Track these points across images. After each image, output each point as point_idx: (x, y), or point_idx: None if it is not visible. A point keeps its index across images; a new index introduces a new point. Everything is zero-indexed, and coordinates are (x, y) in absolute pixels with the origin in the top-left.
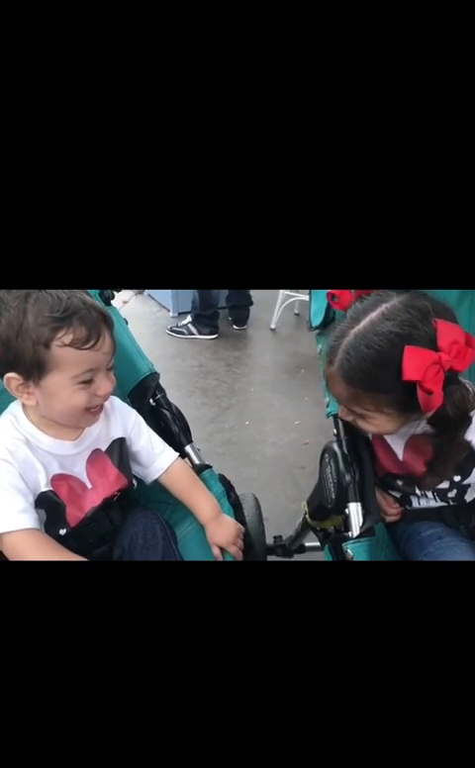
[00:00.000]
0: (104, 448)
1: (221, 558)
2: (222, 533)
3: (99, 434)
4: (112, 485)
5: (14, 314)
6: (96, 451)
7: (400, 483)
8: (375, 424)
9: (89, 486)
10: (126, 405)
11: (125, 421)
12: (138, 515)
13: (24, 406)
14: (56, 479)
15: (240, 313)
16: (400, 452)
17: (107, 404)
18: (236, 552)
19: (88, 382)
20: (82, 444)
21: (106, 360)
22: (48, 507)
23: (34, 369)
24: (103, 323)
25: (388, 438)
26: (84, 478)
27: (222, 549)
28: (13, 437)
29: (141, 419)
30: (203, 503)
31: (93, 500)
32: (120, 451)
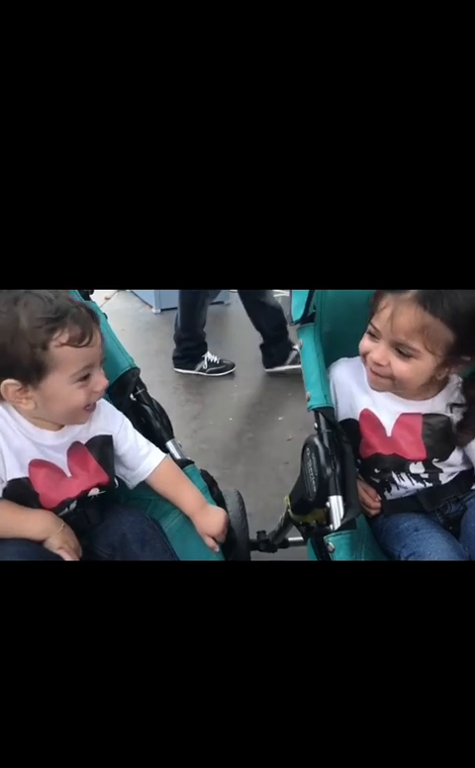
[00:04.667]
0: (84, 443)
1: (216, 548)
2: (210, 523)
3: (80, 430)
4: (92, 477)
5: (7, 319)
6: (77, 444)
7: (385, 464)
8: (413, 366)
9: (69, 475)
10: (112, 407)
11: (109, 422)
12: (122, 513)
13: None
14: (34, 464)
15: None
16: (389, 428)
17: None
18: (223, 540)
19: (85, 379)
20: (64, 437)
21: (99, 355)
22: (18, 495)
23: (33, 372)
24: (92, 320)
25: (379, 415)
26: (64, 467)
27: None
28: None
29: (127, 422)
30: (188, 495)
31: (71, 489)
32: (101, 448)
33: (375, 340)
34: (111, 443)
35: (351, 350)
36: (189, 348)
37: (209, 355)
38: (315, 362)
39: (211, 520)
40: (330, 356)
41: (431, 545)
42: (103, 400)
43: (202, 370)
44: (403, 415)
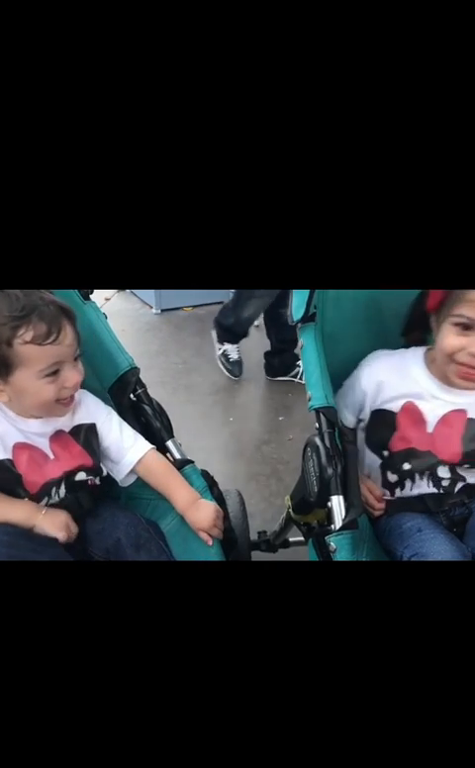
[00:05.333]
0: (67, 431)
1: (210, 542)
2: (201, 518)
3: (64, 420)
4: (74, 458)
5: None
6: (60, 431)
7: (416, 459)
8: None
9: (51, 457)
10: (98, 402)
11: (93, 412)
12: (118, 515)
13: None
14: (18, 447)
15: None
16: (433, 424)
17: (76, 395)
18: (218, 534)
19: (55, 374)
20: (47, 426)
21: (70, 352)
22: (1, 478)
23: (1, 368)
24: (63, 316)
25: (425, 409)
26: (46, 450)
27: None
28: None
29: (113, 415)
30: (179, 490)
31: (53, 471)
32: (85, 435)
33: (468, 334)
34: (95, 431)
35: (353, 351)
36: (229, 327)
37: (230, 349)
38: (316, 362)
39: (201, 514)
40: (331, 356)
41: (435, 546)
42: (86, 392)
43: (219, 351)
44: (450, 412)
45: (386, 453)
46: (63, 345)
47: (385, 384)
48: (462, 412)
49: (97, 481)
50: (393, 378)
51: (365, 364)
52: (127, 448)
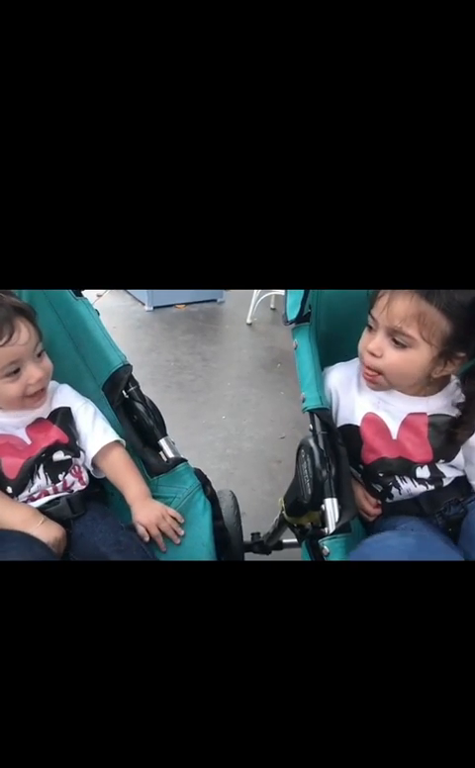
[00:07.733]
0: (46, 417)
1: (146, 538)
2: (145, 513)
3: (40, 411)
4: (49, 437)
5: None
6: (38, 419)
7: (390, 467)
8: (407, 356)
9: (29, 442)
10: (76, 393)
11: (69, 400)
12: (98, 521)
13: None
14: None
15: None
16: (395, 431)
17: (50, 387)
18: (156, 535)
19: (16, 373)
20: (25, 416)
21: (29, 350)
22: None
23: None
24: (18, 316)
25: (384, 417)
26: (24, 437)
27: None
28: None
29: (90, 405)
30: (132, 483)
31: (31, 451)
32: (61, 417)
33: (372, 333)
34: (70, 414)
35: (349, 351)
36: None
37: None
38: (310, 363)
39: (146, 510)
40: (327, 357)
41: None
42: (65, 385)
43: None
44: (409, 415)
45: (361, 467)
46: (18, 345)
47: (342, 398)
48: (421, 414)
49: (83, 474)
50: (351, 390)
51: (324, 378)
52: (94, 438)
